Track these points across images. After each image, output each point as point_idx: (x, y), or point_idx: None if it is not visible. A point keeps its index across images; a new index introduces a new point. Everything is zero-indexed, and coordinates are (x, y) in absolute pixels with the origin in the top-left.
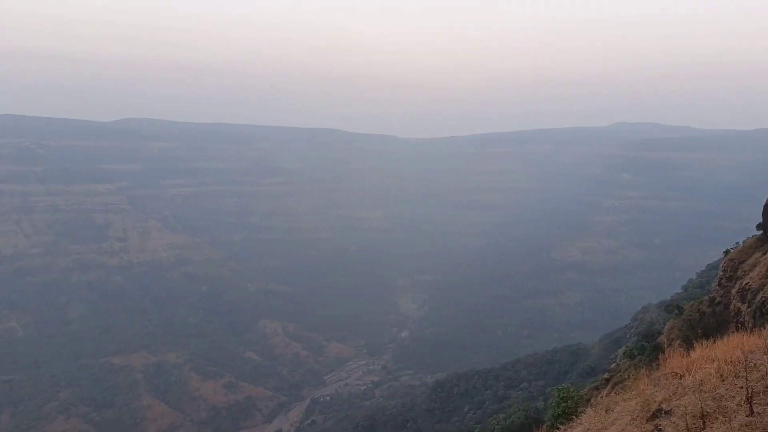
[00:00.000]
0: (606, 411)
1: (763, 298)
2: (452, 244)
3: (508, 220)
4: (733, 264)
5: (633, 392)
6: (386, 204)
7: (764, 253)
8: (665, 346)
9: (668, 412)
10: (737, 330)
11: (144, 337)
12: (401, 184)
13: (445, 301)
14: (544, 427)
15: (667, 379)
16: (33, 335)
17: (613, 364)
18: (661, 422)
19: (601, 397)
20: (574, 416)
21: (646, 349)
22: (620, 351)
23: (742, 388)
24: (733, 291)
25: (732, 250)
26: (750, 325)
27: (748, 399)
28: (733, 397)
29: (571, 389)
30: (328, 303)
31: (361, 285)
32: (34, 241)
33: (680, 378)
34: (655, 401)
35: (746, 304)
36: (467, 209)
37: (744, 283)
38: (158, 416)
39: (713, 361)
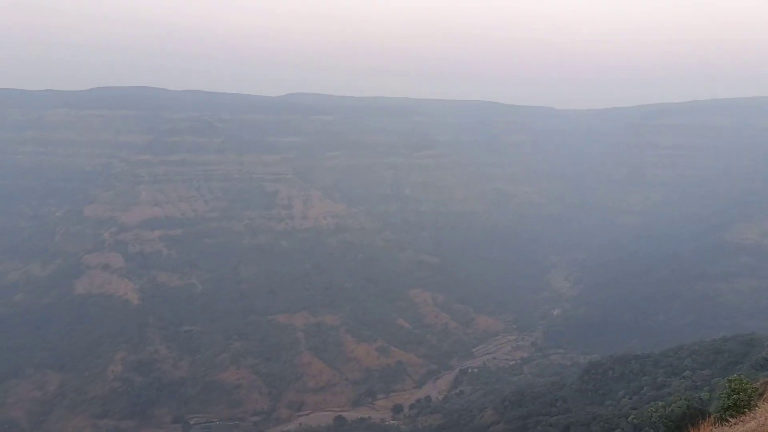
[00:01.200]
0: None
1: None
2: (612, 221)
3: (677, 197)
4: None
5: None
6: (542, 178)
7: None
8: None
9: None
10: None
11: (305, 299)
12: (558, 158)
13: (602, 281)
14: (711, 419)
15: None
16: (209, 292)
17: None
18: None
19: None
20: (746, 410)
21: None
22: None
23: None
24: None
25: None
26: None
27: None
28: None
29: (744, 381)
30: (478, 276)
31: (513, 260)
32: (211, 206)
33: None
34: None
35: None
36: (631, 185)
37: None
38: (317, 373)
39: None
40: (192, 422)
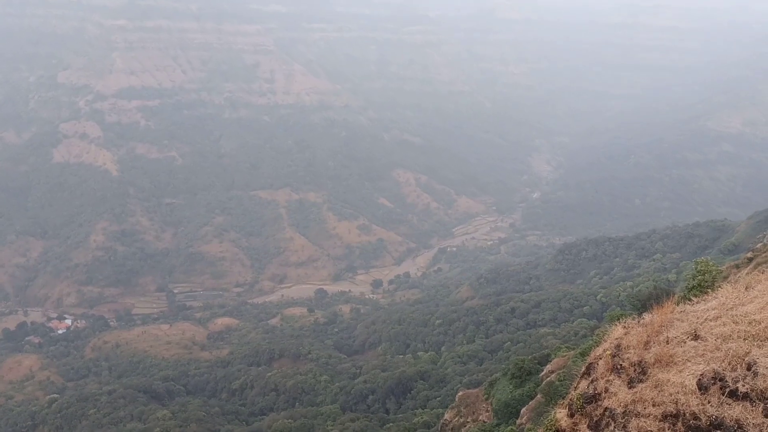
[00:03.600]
0: (746, 288)
1: None
2: (599, 105)
3: (666, 83)
4: None
5: None
6: (531, 59)
7: None
8: None
9: None
10: None
11: (287, 176)
12: (551, 38)
13: (583, 165)
14: (675, 298)
15: None
16: (190, 165)
17: (759, 244)
18: None
19: (742, 276)
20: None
21: None
22: None
23: None
24: None
25: None
26: None
27: None
28: None
29: (710, 263)
30: (461, 158)
31: (496, 142)
32: (190, 77)
33: None
34: None
35: None
36: (622, 69)
37: None
38: (299, 248)
39: None
40: (176, 291)
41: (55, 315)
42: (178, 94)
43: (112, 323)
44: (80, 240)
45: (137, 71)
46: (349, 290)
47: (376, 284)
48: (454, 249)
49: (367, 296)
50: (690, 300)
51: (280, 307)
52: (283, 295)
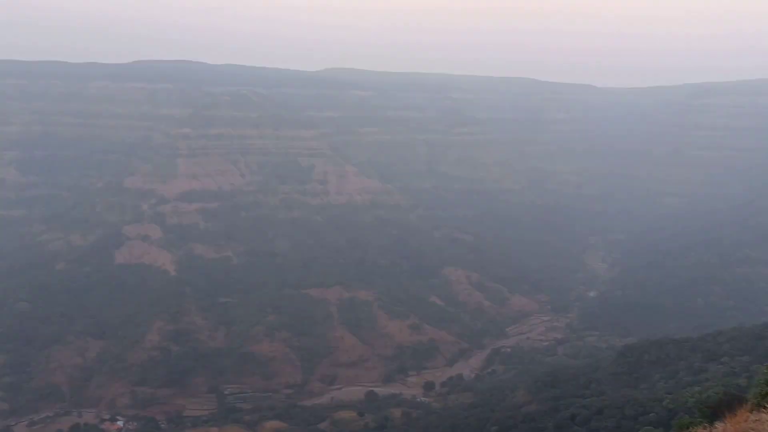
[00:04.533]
0: None
1: None
2: (652, 203)
3: (722, 180)
4: None
5: None
6: (580, 158)
7: None
8: None
9: None
10: None
11: (339, 274)
12: (598, 137)
13: (640, 263)
14: (748, 405)
15: None
16: (245, 264)
17: None
18: None
19: None
20: None
21: None
22: None
23: None
24: None
25: None
26: None
27: None
28: None
29: None
30: (512, 255)
31: (548, 240)
32: (248, 180)
33: None
34: None
35: None
36: (673, 167)
37: None
38: (349, 348)
39: None
40: (227, 392)
41: (108, 416)
42: (236, 196)
43: (162, 425)
44: (136, 340)
45: (199, 175)
46: (401, 393)
47: (428, 386)
48: (509, 350)
49: (418, 399)
50: (764, 407)
51: (330, 410)
52: (333, 398)
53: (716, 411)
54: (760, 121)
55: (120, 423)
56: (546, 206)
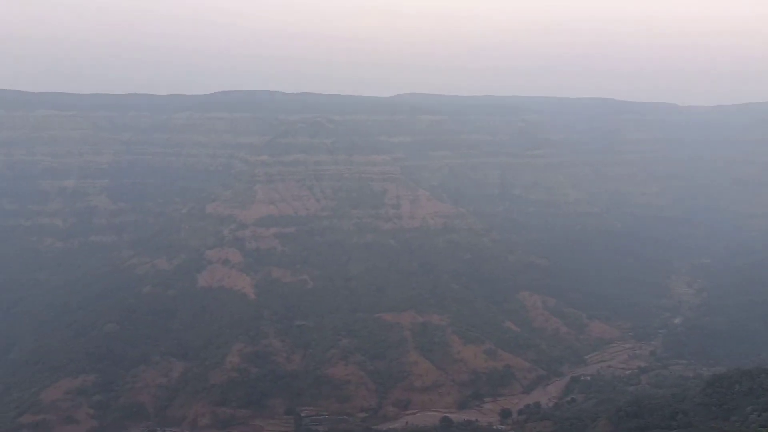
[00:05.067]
0: None
1: None
2: (740, 225)
3: None
4: None
5: None
6: (662, 179)
7: None
8: None
9: None
10: None
11: (412, 298)
12: (680, 158)
13: (729, 289)
14: None
15: None
16: (320, 288)
17: None
18: None
19: None
20: None
21: None
22: None
23: None
24: None
25: None
26: None
27: None
28: None
29: None
30: (591, 280)
31: (629, 265)
32: (323, 205)
33: None
34: None
35: None
36: (760, 186)
37: None
38: (423, 372)
39: None
40: (303, 414)
41: None
42: (311, 221)
43: None
44: (217, 361)
45: (276, 201)
46: (476, 419)
47: (505, 414)
48: (589, 378)
49: (495, 427)
50: None
51: None
52: (407, 422)
53: None
54: None
55: None
56: (625, 230)
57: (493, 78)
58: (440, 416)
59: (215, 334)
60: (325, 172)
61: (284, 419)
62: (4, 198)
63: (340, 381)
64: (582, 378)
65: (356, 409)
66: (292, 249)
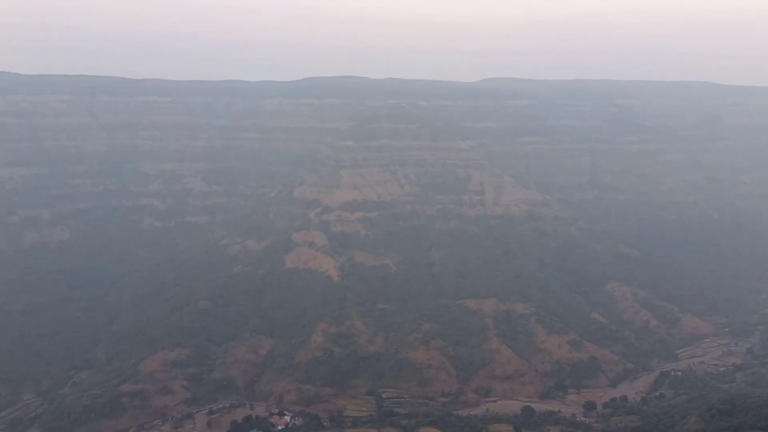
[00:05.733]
0: None
1: None
2: None
3: None
4: None
5: None
6: (764, 168)
7: None
8: None
9: None
10: None
11: (494, 285)
12: None
13: None
14: None
15: None
16: (402, 273)
17: None
18: None
19: None
20: None
21: None
22: None
23: None
24: None
25: None
26: None
27: None
28: None
29: None
30: (685, 273)
31: (727, 257)
32: (406, 191)
33: None
34: None
35: None
36: None
37: None
38: (504, 361)
39: None
40: (384, 396)
41: (276, 411)
42: (395, 206)
43: (325, 423)
44: (302, 340)
45: (360, 186)
46: (559, 410)
47: (589, 406)
48: (679, 373)
49: (578, 419)
50: None
51: (485, 422)
52: (488, 409)
53: None
54: None
55: (287, 418)
56: (725, 220)
57: (585, 61)
58: (522, 405)
59: (301, 314)
60: (409, 158)
61: (366, 400)
62: (108, 179)
63: (421, 365)
64: (672, 373)
65: (437, 393)
66: (376, 233)
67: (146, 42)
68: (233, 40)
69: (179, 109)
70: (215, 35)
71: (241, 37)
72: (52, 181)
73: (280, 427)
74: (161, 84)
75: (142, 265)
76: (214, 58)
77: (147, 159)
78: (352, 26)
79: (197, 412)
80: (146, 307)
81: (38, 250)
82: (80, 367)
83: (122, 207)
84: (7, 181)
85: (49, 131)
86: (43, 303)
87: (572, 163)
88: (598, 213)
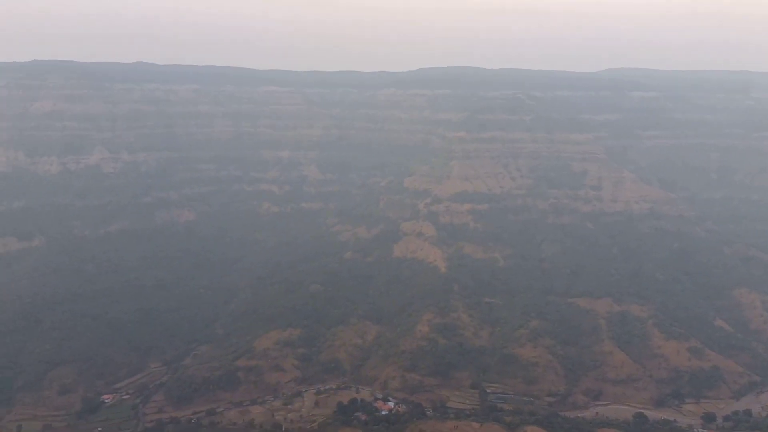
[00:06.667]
0: None
1: None
2: None
3: None
4: None
5: None
6: None
7: None
8: None
9: None
10: None
11: (609, 285)
12: None
13: None
14: None
15: None
16: (511, 267)
17: None
18: None
19: None
20: None
21: None
22: None
23: None
24: None
25: None
26: None
27: None
28: None
29: None
30: None
31: None
32: (518, 183)
33: None
34: None
35: None
36: None
37: None
38: (618, 364)
39: None
40: (489, 390)
41: (380, 396)
42: (505, 199)
43: (428, 412)
44: (408, 329)
45: (470, 177)
46: (674, 419)
47: (708, 418)
48: None
49: (695, 430)
50: None
51: (594, 426)
52: (597, 413)
53: None
54: None
55: (391, 404)
56: None
57: (717, 51)
58: (634, 411)
59: (407, 303)
60: (522, 150)
61: (469, 392)
62: (231, 165)
63: (527, 362)
64: None
65: (543, 392)
66: (485, 226)
67: (268, 36)
68: (350, 33)
69: (297, 99)
70: (334, 29)
71: (358, 31)
72: (180, 165)
73: (383, 412)
74: (282, 74)
75: (259, 247)
76: (331, 50)
77: (266, 146)
78: (467, 16)
79: (306, 390)
80: (262, 288)
81: (167, 230)
82: (201, 341)
83: (243, 192)
84: (142, 164)
85: (180, 119)
86: (170, 279)
87: (700, 160)
88: (727, 213)
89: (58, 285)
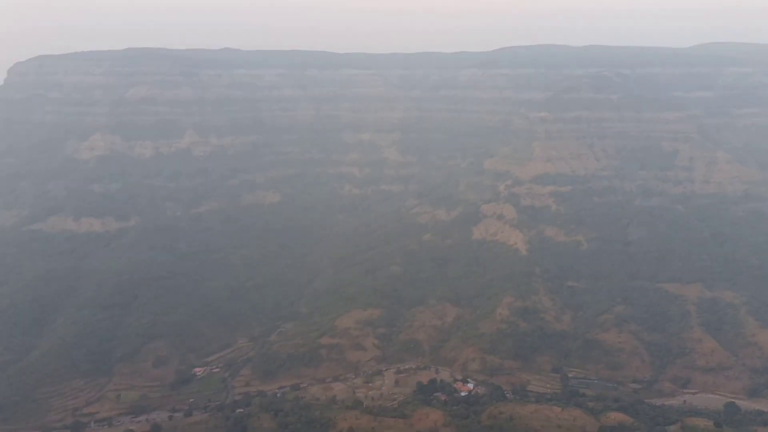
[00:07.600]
0: None
1: None
2: None
3: None
4: None
5: None
6: None
7: None
8: None
9: None
10: None
11: (699, 270)
12: None
13: None
14: None
15: None
16: (595, 250)
17: None
18: None
19: None
20: None
21: None
22: None
23: None
24: None
25: None
26: None
27: None
28: None
29: None
30: None
31: None
32: (603, 164)
33: None
34: None
35: None
36: None
37: None
38: (707, 352)
39: None
40: (571, 375)
41: (459, 377)
42: (589, 181)
43: (508, 395)
44: (487, 311)
45: (553, 159)
46: None
47: None
48: None
49: None
50: None
51: (681, 414)
52: (685, 401)
53: None
54: None
55: (470, 385)
56: None
57: None
58: (725, 401)
59: (486, 285)
60: (608, 130)
61: (550, 377)
62: (314, 148)
63: (611, 348)
64: None
65: (628, 378)
66: (567, 208)
67: (350, 19)
68: (432, 12)
69: (378, 81)
70: (414, 7)
71: (440, 9)
72: (266, 148)
73: (463, 394)
74: (363, 58)
75: (341, 228)
76: (412, 31)
77: (348, 129)
78: None
79: (386, 369)
80: (343, 268)
81: (253, 210)
82: (285, 318)
83: (325, 174)
84: (229, 147)
85: (265, 102)
86: (256, 258)
87: None
88: None
89: (153, 263)
